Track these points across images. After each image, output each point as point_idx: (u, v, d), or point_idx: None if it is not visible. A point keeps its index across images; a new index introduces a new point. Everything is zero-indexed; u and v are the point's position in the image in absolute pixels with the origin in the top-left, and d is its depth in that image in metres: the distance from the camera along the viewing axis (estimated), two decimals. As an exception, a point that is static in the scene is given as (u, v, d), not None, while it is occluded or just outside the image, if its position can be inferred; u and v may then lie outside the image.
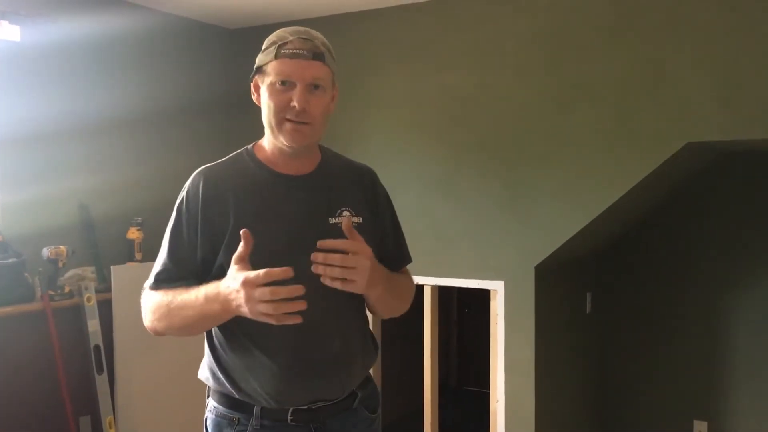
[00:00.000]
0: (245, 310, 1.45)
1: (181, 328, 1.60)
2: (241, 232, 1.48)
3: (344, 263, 1.46)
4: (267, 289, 1.40)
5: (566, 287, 4.04)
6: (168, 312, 1.58)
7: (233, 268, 1.47)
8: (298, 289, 1.41)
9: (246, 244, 1.47)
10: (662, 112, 3.21)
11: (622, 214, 3.77)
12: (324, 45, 1.62)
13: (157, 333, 1.65)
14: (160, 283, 1.62)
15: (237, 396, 1.62)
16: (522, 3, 3.54)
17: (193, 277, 1.60)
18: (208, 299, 1.51)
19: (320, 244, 1.48)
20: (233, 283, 1.45)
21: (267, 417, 1.61)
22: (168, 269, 1.62)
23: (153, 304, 1.61)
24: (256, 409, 1.61)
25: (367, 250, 1.52)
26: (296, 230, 1.60)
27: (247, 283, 1.42)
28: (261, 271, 1.41)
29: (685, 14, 3.16)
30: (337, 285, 1.49)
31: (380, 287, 1.61)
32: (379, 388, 1.86)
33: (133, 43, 3.86)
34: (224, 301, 1.48)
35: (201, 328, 1.62)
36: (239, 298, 1.44)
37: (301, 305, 1.42)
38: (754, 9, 3.02)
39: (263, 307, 1.41)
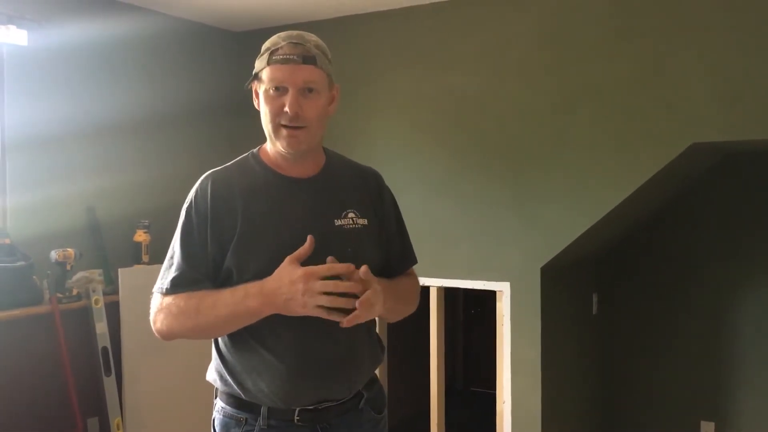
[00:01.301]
0: (297, 302, 1.50)
1: (208, 328, 1.60)
2: (309, 236, 1.55)
3: (370, 301, 1.54)
4: (330, 282, 1.48)
5: (572, 288, 4.04)
6: (197, 313, 1.57)
7: (288, 266, 1.52)
8: (357, 287, 1.51)
9: (309, 248, 1.54)
10: (667, 113, 3.21)
11: (628, 215, 3.76)
12: (317, 47, 1.62)
13: (172, 336, 1.63)
14: (178, 287, 1.60)
15: (244, 396, 1.63)
16: (526, 5, 3.54)
17: (209, 280, 1.61)
18: (248, 295, 1.53)
19: (359, 305, 1.53)
20: (288, 276, 1.50)
21: (274, 417, 1.62)
22: (184, 273, 1.60)
23: (176, 307, 1.59)
24: (263, 409, 1.62)
25: (370, 275, 1.56)
26: (302, 232, 1.61)
27: (309, 275, 1.49)
28: (324, 265, 1.50)
29: (688, 15, 3.16)
30: (360, 321, 1.56)
31: (389, 301, 1.64)
32: (386, 389, 1.87)
33: (138, 46, 3.88)
34: (269, 295, 1.52)
35: (229, 329, 1.61)
36: (294, 290, 1.49)
37: (354, 303, 1.51)
38: (759, 9, 3.02)
39: (322, 300, 1.49)
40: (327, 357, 1.62)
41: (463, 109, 3.72)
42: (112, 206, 3.72)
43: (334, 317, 1.52)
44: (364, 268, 1.54)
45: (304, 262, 1.53)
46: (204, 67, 4.27)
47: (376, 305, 1.56)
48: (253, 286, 1.54)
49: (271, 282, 1.53)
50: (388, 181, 1.85)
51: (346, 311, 1.52)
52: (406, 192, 3.56)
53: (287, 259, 1.53)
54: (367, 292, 1.53)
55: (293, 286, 1.49)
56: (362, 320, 1.55)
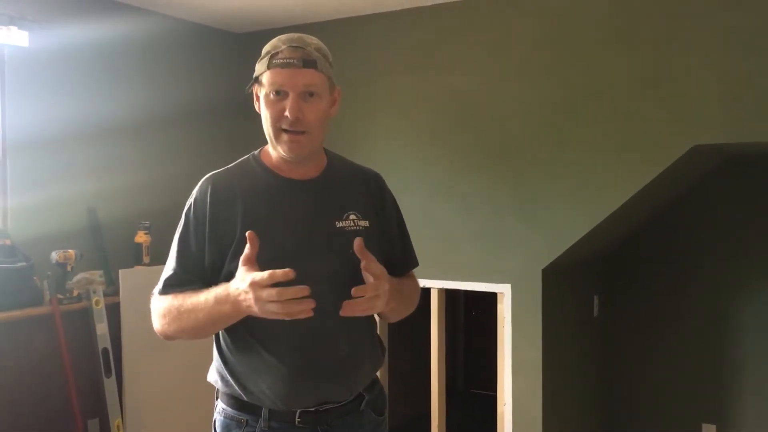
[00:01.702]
0: (255, 310, 1.47)
1: (192, 330, 1.60)
2: (247, 233, 1.50)
3: (371, 293, 1.51)
4: (274, 291, 1.43)
5: (573, 290, 4.04)
6: (178, 315, 1.58)
7: (241, 270, 1.49)
8: (304, 290, 1.44)
9: (252, 245, 1.49)
10: (668, 115, 3.20)
11: (630, 217, 3.76)
12: (318, 50, 1.61)
13: (168, 337, 1.65)
14: (168, 288, 1.62)
15: (245, 398, 1.63)
16: (527, 7, 3.54)
17: (201, 282, 1.61)
18: (219, 301, 1.52)
19: (354, 291, 1.50)
20: (242, 284, 1.47)
21: (275, 418, 1.62)
22: (176, 274, 1.62)
23: (162, 308, 1.61)
24: (264, 411, 1.62)
25: (384, 271, 1.55)
26: (303, 234, 1.61)
27: (254, 285, 1.45)
28: (265, 273, 1.44)
29: (690, 17, 3.15)
30: (359, 313, 1.54)
31: (393, 302, 1.64)
32: (386, 391, 1.86)
33: (140, 47, 3.88)
34: (234, 302, 1.50)
35: (212, 330, 1.63)
36: (248, 299, 1.46)
37: (310, 303, 1.45)
38: (761, 9, 3.01)
39: (272, 307, 1.44)
40: (328, 358, 1.62)
41: (464, 110, 3.72)
42: (113, 207, 3.72)
43: (297, 317, 1.47)
44: (367, 265, 1.53)
45: (308, 265, 1.51)
46: (205, 69, 4.27)
47: (378, 300, 1.53)
48: (221, 292, 1.53)
49: (232, 288, 1.51)
50: (390, 183, 1.85)
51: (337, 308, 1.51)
52: (407, 193, 3.56)
53: (241, 260, 1.50)
54: (375, 283, 1.51)
55: (247, 294, 1.47)
56: (360, 312, 1.53)
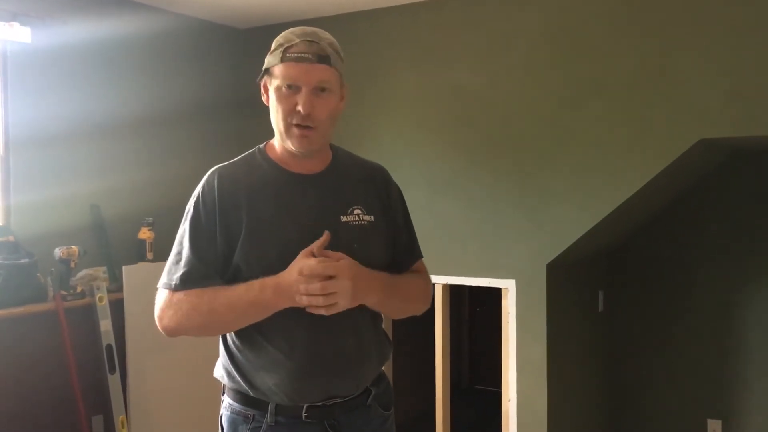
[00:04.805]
0: (304, 301, 1.51)
1: (219, 325, 1.61)
2: (326, 232, 1.54)
3: (325, 291, 1.50)
4: (318, 284, 1.49)
5: (578, 285, 4.03)
6: (210, 310, 1.56)
7: (304, 260, 1.51)
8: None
9: (324, 241, 1.53)
10: (674, 109, 3.19)
11: (635, 212, 3.75)
12: (331, 46, 1.60)
13: (178, 333, 1.62)
14: (188, 283, 1.58)
15: (252, 393, 1.62)
16: (531, 1, 3.52)
17: (218, 275, 1.60)
18: (265, 288, 1.53)
19: (307, 270, 1.51)
20: (296, 274, 1.51)
21: (282, 414, 1.61)
22: (194, 268, 1.58)
23: (188, 304, 1.57)
24: (271, 406, 1.61)
25: (346, 269, 1.53)
26: (308, 228, 1.60)
27: (307, 275, 1.50)
28: (315, 265, 1.49)
29: (695, 10, 3.14)
30: (322, 311, 1.53)
31: (375, 296, 1.62)
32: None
33: (143, 44, 3.87)
34: (286, 289, 1.51)
35: (241, 324, 1.61)
36: (302, 288, 1.50)
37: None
38: (766, 3, 3.00)
39: (318, 300, 1.50)
40: (335, 353, 1.62)
41: (468, 105, 3.70)
42: (117, 204, 3.71)
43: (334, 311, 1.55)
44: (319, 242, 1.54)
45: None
46: (208, 65, 4.26)
47: (338, 298, 1.51)
48: (270, 280, 1.53)
49: (286, 276, 1.52)
50: (394, 178, 1.84)
51: None
52: (411, 189, 3.54)
53: (302, 252, 1.53)
54: (331, 282, 1.50)
55: (300, 282, 1.50)
56: (323, 310, 1.52)
